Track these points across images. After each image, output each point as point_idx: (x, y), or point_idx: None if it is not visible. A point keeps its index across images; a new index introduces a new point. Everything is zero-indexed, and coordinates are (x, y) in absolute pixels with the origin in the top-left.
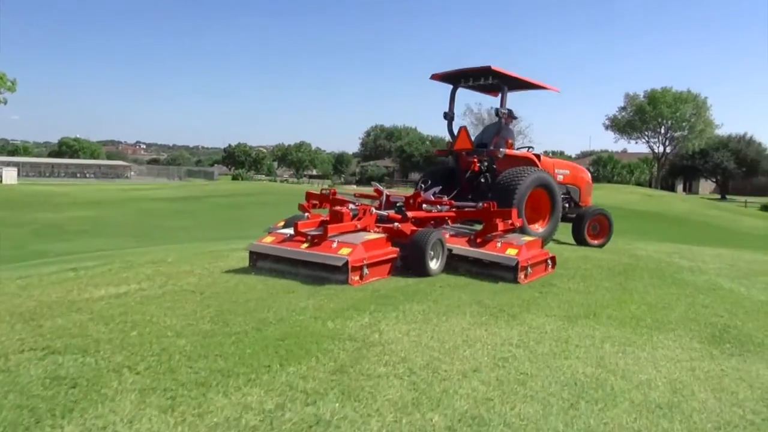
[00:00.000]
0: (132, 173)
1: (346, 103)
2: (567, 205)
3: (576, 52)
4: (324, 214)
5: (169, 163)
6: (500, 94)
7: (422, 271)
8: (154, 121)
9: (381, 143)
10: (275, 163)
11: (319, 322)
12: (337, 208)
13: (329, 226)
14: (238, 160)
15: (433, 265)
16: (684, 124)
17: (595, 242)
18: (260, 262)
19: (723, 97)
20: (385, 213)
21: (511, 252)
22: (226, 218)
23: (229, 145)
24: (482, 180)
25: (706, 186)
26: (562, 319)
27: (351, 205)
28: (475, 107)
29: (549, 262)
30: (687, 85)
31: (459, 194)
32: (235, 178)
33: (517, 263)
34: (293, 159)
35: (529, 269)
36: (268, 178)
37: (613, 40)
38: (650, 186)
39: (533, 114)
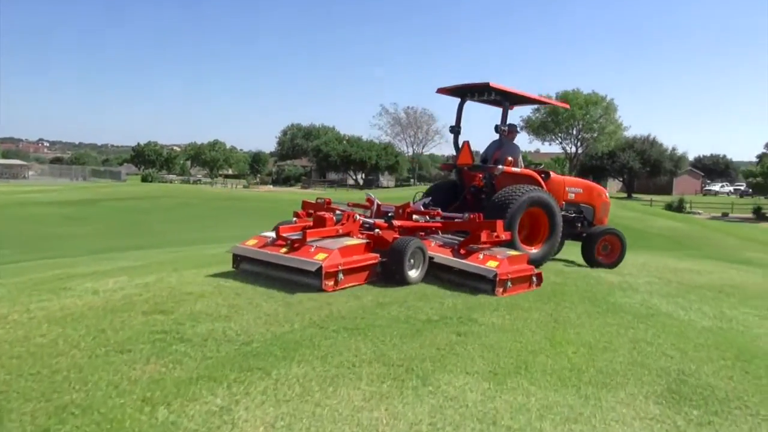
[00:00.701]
0: (31, 173)
1: (263, 102)
2: (580, 224)
3: (491, 53)
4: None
5: (73, 162)
6: (502, 111)
7: (401, 279)
8: (58, 118)
9: (298, 142)
10: (188, 163)
11: (146, 410)
12: (321, 213)
13: (309, 230)
14: (149, 159)
15: (413, 273)
16: (594, 125)
17: (607, 262)
18: (243, 264)
19: (627, 100)
20: (371, 220)
21: (492, 264)
22: (122, 225)
23: (138, 144)
24: (482, 196)
25: (613, 185)
26: (486, 378)
27: (338, 212)
28: (391, 107)
29: (534, 279)
30: (594, 88)
31: (460, 209)
32: (144, 178)
33: (496, 275)
34: (207, 158)
35: (509, 283)
36: (180, 178)
37: (527, 43)
38: None
39: (452, 114)
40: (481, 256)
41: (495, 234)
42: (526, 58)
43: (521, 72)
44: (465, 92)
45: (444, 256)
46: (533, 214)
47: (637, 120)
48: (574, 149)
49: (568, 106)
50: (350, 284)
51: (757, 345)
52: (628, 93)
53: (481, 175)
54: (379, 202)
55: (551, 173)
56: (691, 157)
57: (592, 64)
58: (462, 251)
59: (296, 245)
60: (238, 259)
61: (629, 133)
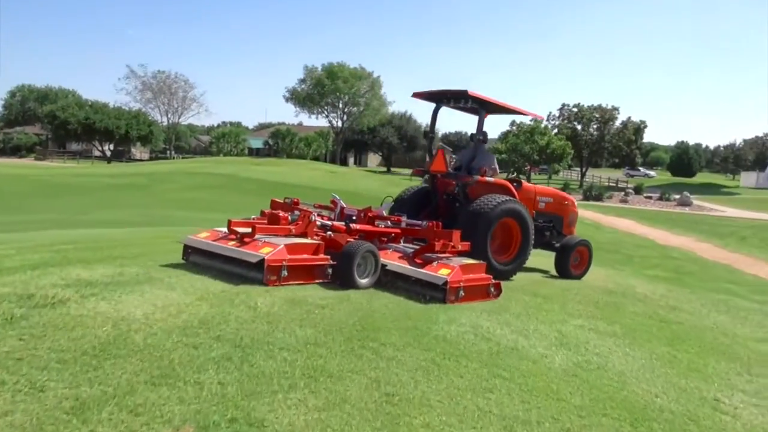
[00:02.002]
0: None
1: None
2: (548, 233)
3: (256, 22)
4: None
5: None
6: (478, 119)
7: (349, 284)
8: None
9: (30, 106)
10: None
11: None
12: (276, 211)
13: (259, 226)
14: None
15: (362, 278)
16: (360, 100)
17: (577, 273)
18: (193, 256)
19: (391, 77)
20: (329, 223)
21: (444, 272)
22: None
23: None
24: (456, 204)
25: (374, 159)
26: None
27: (296, 212)
28: (140, 70)
29: (491, 289)
30: (360, 62)
31: (431, 216)
32: None
33: (446, 283)
34: None
35: (461, 292)
36: None
37: (293, 8)
38: (326, 160)
39: (208, 81)
40: (435, 264)
41: (451, 244)
42: (288, 26)
43: (286, 40)
44: (441, 98)
45: (397, 263)
46: (506, 224)
47: (398, 96)
48: (340, 123)
49: (542, 117)
50: (295, 282)
51: (637, 395)
52: (391, 70)
53: (453, 183)
54: (343, 205)
55: (523, 182)
56: (440, 133)
57: (356, 37)
58: (417, 259)
59: (245, 239)
60: (188, 250)
61: (389, 110)
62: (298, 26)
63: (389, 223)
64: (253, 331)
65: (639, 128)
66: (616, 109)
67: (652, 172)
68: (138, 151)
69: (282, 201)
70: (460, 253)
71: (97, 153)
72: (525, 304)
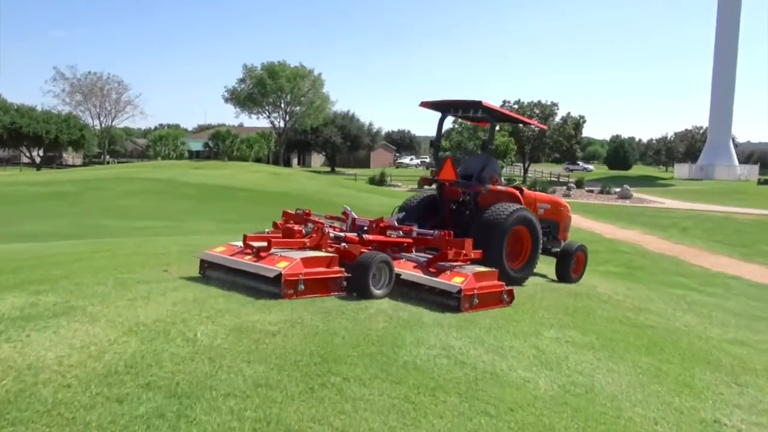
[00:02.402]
0: None
1: None
2: (546, 239)
3: (193, 21)
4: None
5: None
6: (489, 129)
7: (365, 294)
8: None
9: None
10: None
11: None
12: (290, 224)
13: (275, 240)
14: None
15: (377, 288)
16: (302, 99)
17: (575, 277)
18: (209, 271)
19: (333, 75)
20: (342, 234)
21: (457, 280)
22: None
23: None
24: (467, 212)
25: (317, 159)
26: None
27: (310, 225)
28: (68, 71)
29: (504, 295)
30: (301, 61)
31: (440, 224)
32: None
33: (460, 291)
34: None
35: (475, 299)
36: None
37: (230, 7)
38: (268, 161)
39: (144, 82)
40: (448, 272)
41: (464, 253)
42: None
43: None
44: (448, 108)
45: (411, 273)
46: (518, 232)
47: (340, 95)
48: (282, 123)
49: (545, 128)
50: (312, 295)
51: (636, 423)
52: (333, 68)
53: (460, 191)
54: (355, 216)
55: (524, 189)
56: (383, 132)
57: (297, 37)
58: (431, 268)
59: (262, 253)
60: (204, 265)
61: (332, 109)
62: (237, 25)
63: (401, 233)
64: (192, 373)
65: (578, 123)
66: (555, 104)
67: (590, 166)
68: (70, 156)
69: (294, 212)
70: (472, 262)
71: (25, 159)
72: (493, 315)
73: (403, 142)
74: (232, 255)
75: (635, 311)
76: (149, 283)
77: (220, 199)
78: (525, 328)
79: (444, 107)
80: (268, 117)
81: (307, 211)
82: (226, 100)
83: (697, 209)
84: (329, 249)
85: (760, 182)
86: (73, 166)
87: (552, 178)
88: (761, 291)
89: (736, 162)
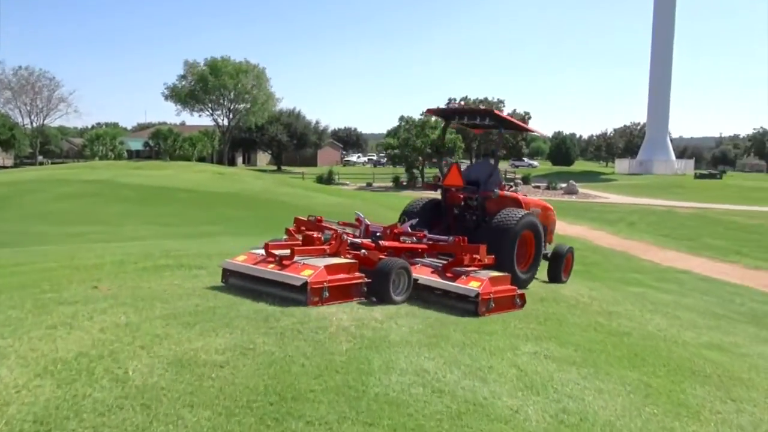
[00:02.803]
0: None
1: None
2: None
3: (131, 16)
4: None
5: None
6: (497, 136)
7: (385, 299)
8: None
9: None
10: None
11: None
12: (310, 232)
13: (296, 248)
14: None
15: (397, 293)
16: (246, 95)
17: (565, 278)
18: (231, 279)
19: (280, 72)
20: (359, 240)
21: (474, 284)
22: None
23: None
24: (473, 218)
25: (263, 158)
26: None
27: (328, 232)
28: None
29: (517, 299)
30: (246, 57)
31: (445, 229)
32: None
33: (478, 295)
34: None
35: (491, 303)
36: None
37: (169, 3)
38: (212, 161)
39: (79, 79)
40: (464, 277)
41: (478, 258)
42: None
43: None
44: (454, 115)
45: (428, 278)
46: (524, 236)
47: (286, 93)
48: (226, 121)
49: (547, 135)
50: (336, 301)
51: None
52: (281, 65)
53: (463, 196)
54: (368, 222)
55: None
56: (330, 130)
57: (240, 34)
58: (447, 273)
59: (285, 262)
60: (227, 273)
61: (278, 107)
62: (178, 20)
63: (414, 239)
64: (121, 427)
65: (524, 119)
66: (501, 101)
67: (535, 162)
68: (0, 157)
69: (306, 219)
70: (485, 266)
71: None
72: (462, 327)
73: (350, 140)
74: (255, 264)
75: (605, 315)
76: (75, 303)
77: (161, 200)
78: (500, 343)
79: (450, 114)
80: (211, 115)
81: (319, 218)
82: (167, 98)
83: (640, 203)
84: (347, 255)
85: (697, 176)
86: (3, 167)
87: None
88: (711, 285)
89: (674, 157)
